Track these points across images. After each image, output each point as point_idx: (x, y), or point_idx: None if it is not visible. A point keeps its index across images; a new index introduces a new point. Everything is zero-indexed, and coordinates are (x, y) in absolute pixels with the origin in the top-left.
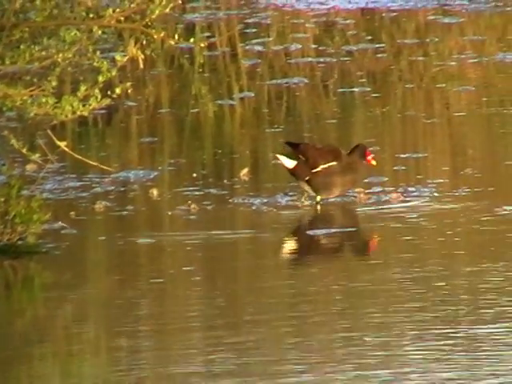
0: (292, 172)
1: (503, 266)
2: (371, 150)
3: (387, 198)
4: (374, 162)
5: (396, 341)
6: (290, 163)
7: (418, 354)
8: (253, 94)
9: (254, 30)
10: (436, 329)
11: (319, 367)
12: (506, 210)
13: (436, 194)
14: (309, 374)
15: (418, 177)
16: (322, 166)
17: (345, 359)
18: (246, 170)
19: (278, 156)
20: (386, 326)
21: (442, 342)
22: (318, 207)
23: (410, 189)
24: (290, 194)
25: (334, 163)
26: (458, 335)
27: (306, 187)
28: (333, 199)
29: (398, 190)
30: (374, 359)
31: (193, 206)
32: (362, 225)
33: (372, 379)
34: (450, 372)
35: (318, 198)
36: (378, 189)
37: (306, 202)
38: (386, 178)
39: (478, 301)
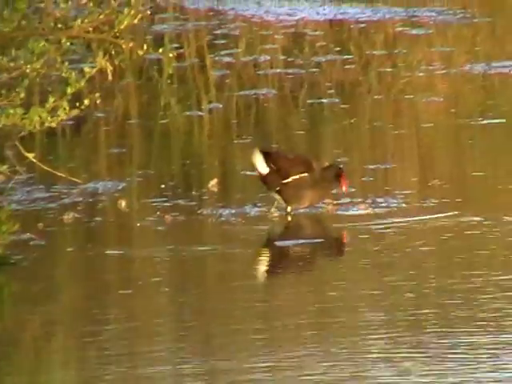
0: (263, 180)
1: (470, 275)
2: (346, 176)
3: (355, 208)
4: (344, 189)
5: (364, 359)
6: (264, 169)
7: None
8: (221, 105)
9: (222, 41)
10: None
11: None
12: (473, 221)
13: (404, 205)
14: None
15: (386, 188)
16: (292, 177)
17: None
18: (214, 181)
19: (256, 155)
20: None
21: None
22: (289, 218)
23: (378, 200)
24: (259, 204)
25: (306, 174)
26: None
27: (277, 197)
28: (302, 210)
29: (367, 201)
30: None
31: (167, 216)
32: (330, 236)
33: None
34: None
35: (289, 209)
36: (347, 200)
37: (276, 213)
38: (354, 189)
39: (446, 310)
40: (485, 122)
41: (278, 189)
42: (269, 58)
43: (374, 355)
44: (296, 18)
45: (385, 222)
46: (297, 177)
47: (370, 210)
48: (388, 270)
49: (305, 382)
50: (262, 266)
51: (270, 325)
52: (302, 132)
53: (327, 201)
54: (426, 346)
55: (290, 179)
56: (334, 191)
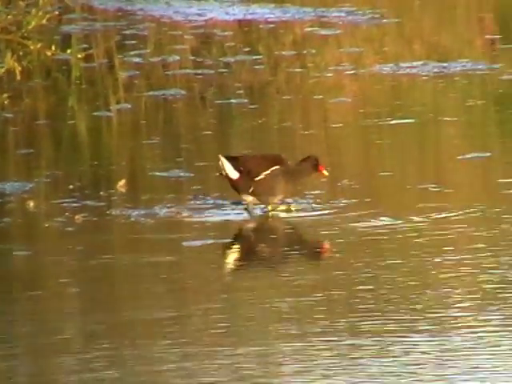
0: (234, 184)
1: (378, 274)
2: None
3: (266, 209)
4: (325, 173)
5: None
6: (234, 174)
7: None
8: (130, 106)
9: (131, 42)
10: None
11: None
12: (382, 221)
13: (314, 205)
14: None
15: (297, 188)
16: (264, 173)
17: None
18: (122, 182)
19: (224, 162)
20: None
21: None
22: (271, 214)
23: (288, 200)
24: (168, 205)
25: (277, 167)
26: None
27: (250, 199)
28: (207, 210)
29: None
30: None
31: (77, 217)
32: (236, 236)
33: None
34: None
35: (269, 207)
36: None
37: (255, 213)
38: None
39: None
40: (393, 122)
41: (251, 190)
42: (178, 58)
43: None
44: (205, 18)
45: (294, 221)
46: (268, 172)
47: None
48: (294, 270)
49: None
50: (169, 266)
51: (180, 323)
52: (210, 132)
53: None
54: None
55: (261, 175)
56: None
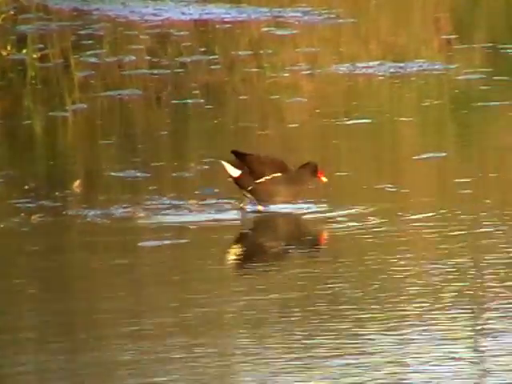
0: (236, 181)
1: (334, 275)
2: (322, 170)
3: (222, 208)
4: (324, 179)
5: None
6: (235, 172)
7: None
8: (86, 106)
9: (87, 42)
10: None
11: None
12: (338, 221)
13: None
14: None
15: None
16: (265, 177)
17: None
18: (77, 182)
19: (224, 163)
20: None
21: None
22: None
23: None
24: (125, 206)
25: (279, 174)
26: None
27: (249, 195)
28: (163, 210)
29: (232, 201)
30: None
31: (33, 217)
32: (193, 237)
33: None
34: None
35: (260, 208)
36: (213, 200)
37: (248, 209)
38: (218, 190)
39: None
40: (350, 122)
41: (250, 188)
42: (134, 58)
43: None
44: (161, 18)
45: (251, 221)
46: (269, 177)
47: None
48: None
49: None
50: (123, 266)
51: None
52: (166, 132)
53: (191, 201)
54: None
55: (262, 179)
56: (198, 192)
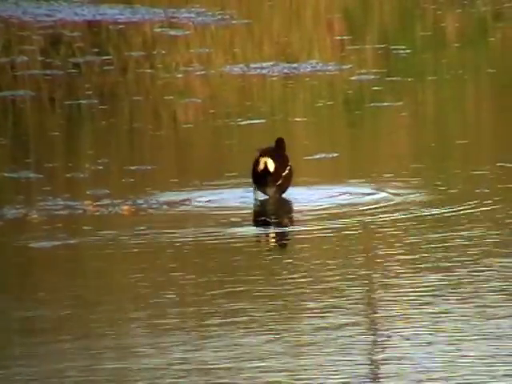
0: (270, 176)
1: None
2: None
3: (118, 210)
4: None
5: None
6: (273, 167)
7: None
8: None
9: None
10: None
11: None
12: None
13: (165, 207)
14: None
15: (147, 189)
16: (287, 168)
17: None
18: None
19: (267, 160)
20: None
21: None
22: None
23: (138, 201)
24: (17, 207)
25: (290, 164)
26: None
27: (273, 190)
28: (57, 211)
29: (127, 203)
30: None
31: None
32: (89, 237)
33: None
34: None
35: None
36: (107, 201)
37: (259, 198)
38: (111, 191)
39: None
40: (243, 122)
41: (279, 182)
42: (26, 59)
43: None
44: (54, 18)
45: (147, 223)
46: (289, 167)
47: (133, 211)
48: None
49: None
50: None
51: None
52: (59, 133)
53: (87, 202)
54: None
55: (286, 171)
56: (90, 192)
